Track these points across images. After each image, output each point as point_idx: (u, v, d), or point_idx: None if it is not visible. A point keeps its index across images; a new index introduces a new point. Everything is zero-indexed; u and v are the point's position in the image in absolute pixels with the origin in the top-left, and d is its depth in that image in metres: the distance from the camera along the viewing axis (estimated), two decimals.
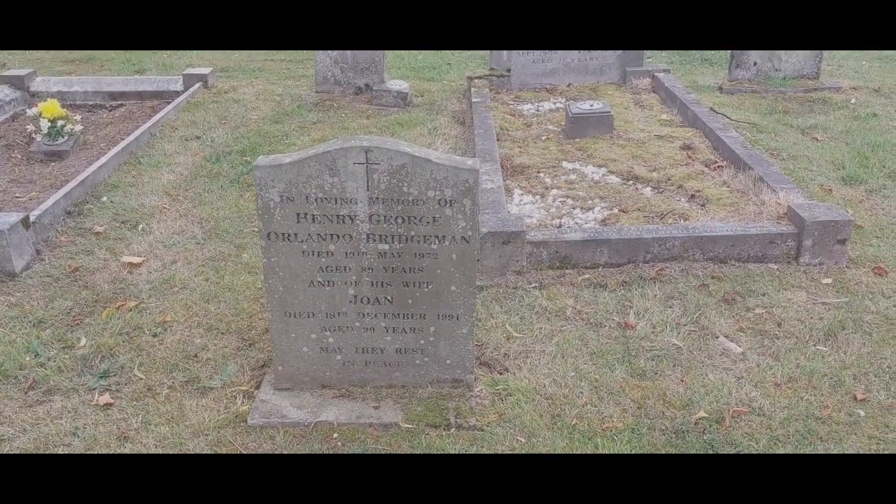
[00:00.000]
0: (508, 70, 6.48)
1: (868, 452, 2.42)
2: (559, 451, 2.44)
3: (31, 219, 3.64)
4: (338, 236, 2.49)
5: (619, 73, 6.52)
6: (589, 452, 2.43)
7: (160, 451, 2.44)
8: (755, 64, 6.59)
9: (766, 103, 6.05)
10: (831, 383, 2.73)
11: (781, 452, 2.43)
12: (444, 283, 2.56)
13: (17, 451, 2.43)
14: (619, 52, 6.41)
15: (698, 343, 2.98)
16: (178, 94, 6.16)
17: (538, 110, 5.87)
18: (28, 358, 2.89)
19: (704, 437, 2.49)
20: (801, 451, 2.43)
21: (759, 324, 3.09)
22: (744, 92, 6.39)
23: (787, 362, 2.85)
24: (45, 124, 4.94)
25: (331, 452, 2.44)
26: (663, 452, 2.44)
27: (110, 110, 6.03)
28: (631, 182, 4.38)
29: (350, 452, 2.43)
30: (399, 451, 2.44)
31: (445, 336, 2.65)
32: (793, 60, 6.57)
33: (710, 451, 2.43)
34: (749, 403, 2.64)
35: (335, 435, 2.51)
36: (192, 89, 6.25)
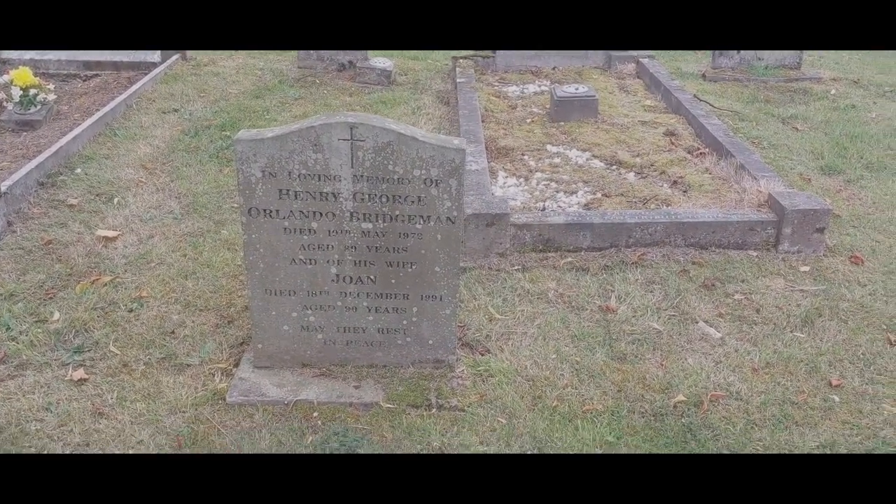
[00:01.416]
0: (494, 51, 6.42)
1: (842, 437, 2.46)
2: (539, 432, 2.45)
3: (2, 189, 3.54)
4: (321, 214, 2.45)
5: (605, 58, 6.50)
6: (569, 434, 2.44)
7: (136, 428, 2.40)
8: (738, 53, 6.61)
9: (749, 92, 6.09)
10: (807, 369, 2.77)
11: (758, 437, 2.46)
12: (428, 264, 2.54)
13: None
14: None
15: (678, 328, 3.00)
16: (155, 65, 6.01)
17: (523, 92, 5.84)
18: None
19: (683, 421, 2.51)
20: (778, 436, 2.46)
21: (738, 310, 3.12)
22: (727, 80, 6.42)
23: (765, 348, 2.89)
24: (16, 93, 4.79)
25: (311, 431, 2.42)
26: (642, 435, 2.45)
27: (85, 80, 5.87)
28: (614, 167, 4.39)
29: (331, 431, 2.41)
30: (380, 431, 2.43)
31: (428, 317, 2.63)
32: (775, 50, 6.59)
33: (689, 435, 2.46)
34: (727, 388, 2.67)
35: (315, 414, 2.49)
36: (169, 61, 6.12)
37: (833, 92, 6.15)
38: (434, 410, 2.53)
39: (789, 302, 3.18)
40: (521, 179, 4.19)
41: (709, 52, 7.12)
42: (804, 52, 6.68)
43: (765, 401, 2.61)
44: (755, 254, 3.54)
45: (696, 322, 3.04)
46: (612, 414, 2.54)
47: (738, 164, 4.11)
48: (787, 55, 6.60)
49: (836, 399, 2.63)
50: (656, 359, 2.82)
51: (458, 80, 5.76)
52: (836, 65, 7.16)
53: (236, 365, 2.71)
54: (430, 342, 2.68)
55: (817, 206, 3.52)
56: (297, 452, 2.34)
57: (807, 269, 3.44)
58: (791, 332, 2.99)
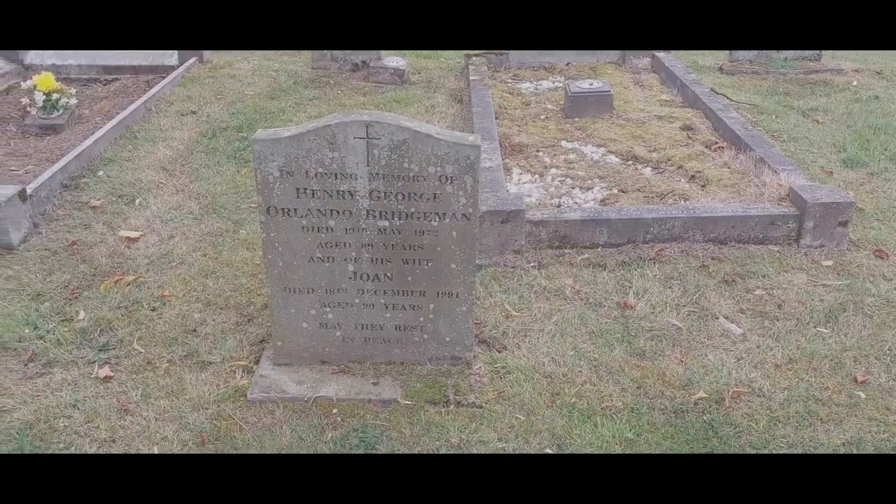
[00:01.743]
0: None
1: (868, 434, 2.43)
2: (558, 430, 2.44)
3: (28, 192, 3.60)
4: (337, 212, 2.47)
5: (619, 53, 6.46)
6: (588, 431, 2.44)
7: (160, 424, 2.44)
8: None
9: (767, 85, 6.02)
10: (832, 365, 2.74)
11: (781, 434, 2.44)
12: (443, 261, 2.54)
13: (19, 423, 2.43)
14: None
15: (698, 324, 2.98)
16: (173, 68, 6.08)
17: (537, 89, 5.83)
18: (27, 330, 2.87)
19: (704, 418, 2.50)
20: (802, 433, 2.43)
21: (760, 305, 3.09)
22: (744, 73, 6.35)
23: (788, 344, 2.86)
24: (39, 97, 4.87)
25: (330, 427, 2.44)
26: (662, 432, 2.44)
27: (105, 84, 5.95)
28: (630, 162, 4.36)
29: (350, 427, 2.43)
30: (399, 427, 2.44)
31: (445, 313, 2.64)
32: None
33: (710, 431, 2.44)
34: (749, 384, 2.65)
35: (334, 410, 2.51)
36: (187, 64, 6.18)
37: (855, 83, 6.06)
38: (452, 407, 2.53)
39: (812, 297, 3.14)
40: (536, 176, 4.19)
41: None
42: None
43: (788, 397, 2.58)
44: (776, 248, 3.51)
45: (717, 318, 3.02)
46: (632, 411, 2.53)
47: (757, 158, 4.07)
48: None
49: (862, 395, 2.60)
50: (676, 355, 2.80)
51: (471, 78, 5.75)
52: (858, 56, 7.04)
53: (257, 362, 2.73)
54: (447, 339, 2.69)
55: (840, 200, 3.48)
56: (317, 448, 2.36)
57: (830, 263, 3.40)
58: (814, 327, 2.96)
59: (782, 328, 2.96)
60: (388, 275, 2.57)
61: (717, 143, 4.53)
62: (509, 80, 6.03)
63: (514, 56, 6.38)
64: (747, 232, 3.53)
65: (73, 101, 5.05)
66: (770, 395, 2.60)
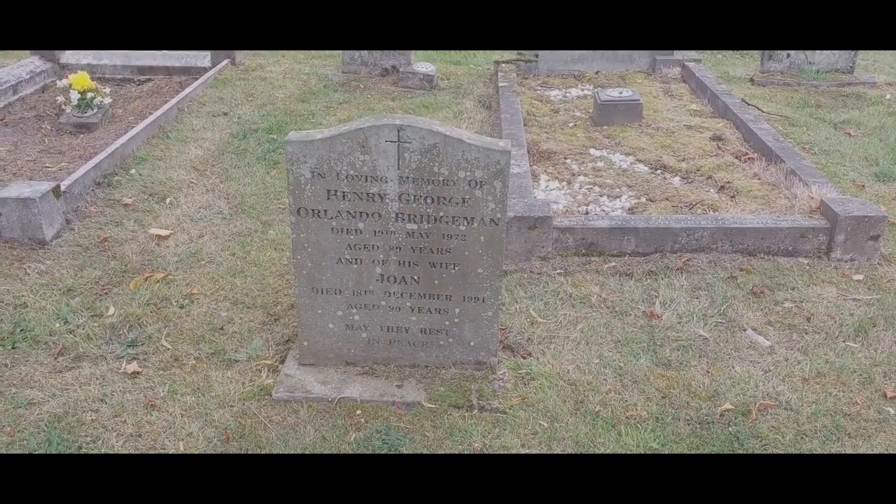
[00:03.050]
0: (536, 55, 6.42)
1: None
2: (582, 437, 2.43)
3: (62, 188, 3.67)
4: (367, 214, 2.49)
5: (649, 62, 6.44)
6: (612, 439, 2.42)
7: (186, 420, 2.47)
8: (788, 56, 6.47)
9: (799, 96, 5.95)
10: (861, 380, 2.70)
11: (808, 448, 2.40)
12: (470, 265, 2.55)
13: (48, 415, 2.47)
14: None
15: (725, 335, 2.95)
16: (205, 70, 6.17)
17: (566, 96, 5.82)
18: (58, 324, 2.93)
19: (730, 430, 2.47)
20: (829, 447, 2.40)
21: (788, 318, 3.05)
22: (776, 84, 6.28)
23: (816, 357, 2.82)
24: (75, 96, 4.97)
25: (354, 428, 2.45)
26: (687, 443, 2.42)
27: (139, 84, 6.06)
28: (659, 171, 4.34)
29: (373, 429, 2.44)
30: (422, 431, 2.45)
31: (470, 318, 2.64)
32: (827, 54, 6.43)
33: (736, 443, 2.41)
34: (776, 397, 2.61)
35: (358, 412, 2.52)
36: (219, 66, 6.27)
37: (889, 97, 5.97)
38: (475, 412, 2.53)
39: (842, 311, 3.10)
40: (564, 183, 4.18)
41: (757, 57, 6.99)
42: (858, 56, 6.50)
43: (816, 411, 2.55)
44: (806, 261, 3.46)
45: (744, 330, 2.98)
46: (657, 420, 2.51)
47: (788, 170, 4.02)
48: (840, 59, 6.43)
49: (892, 411, 2.55)
50: (702, 366, 2.78)
51: (500, 85, 5.76)
52: (892, 69, 6.94)
53: (282, 362, 2.76)
54: (472, 343, 2.69)
55: (872, 213, 3.42)
56: (340, 449, 2.37)
57: (860, 277, 3.34)
58: (844, 341, 2.91)
59: (811, 341, 2.91)
60: (415, 278, 2.58)
61: (747, 153, 4.49)
62: (538, 88, 6.03)
63: (544, 63, 6.38)
64: (777, 244, 3.48)
65: (108, 100, 5.15)
66: (797, 409, 2.56)
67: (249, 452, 2.36)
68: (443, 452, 2.37)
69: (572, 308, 3.11)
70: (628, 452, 2.38)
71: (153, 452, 2.35)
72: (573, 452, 2.38)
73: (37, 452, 2.33)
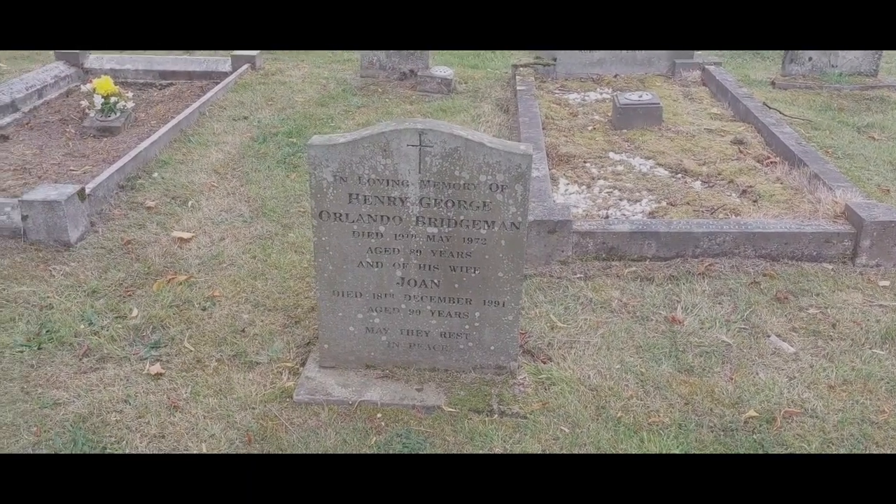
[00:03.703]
0: (554, 59, 6.41)
1: None
2: (604, 443, 2.41)
3: (87, 191, 3.72)
4: (388, 218, 2.49)
5: (668, 65, 6.40)
6: (634, 446, 2.40)
7: (209, 422, 2.48)
8: (810, 59, 6.41)
9: (821, 100, 5.88)
10: (888, 388, 2.65)
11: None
12: (491, 269, 2.54)
13: (73, 416, 2.50)
14: None
15: (749, 341, 2.92)
16: (226, 74, 6.23)
17: (584, 100, 5.80)
18: (82, 326, 2.96)
19: (754, 437, 2.44)
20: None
21: (813, 324, 3.01)
22: (798, 88, 6.22)
23: (842, 364, 2.78)
24: (98, 100, 5.04)
25: (374, 431, 2.45)
26: (711, 450, 2.39)
27: (160, 89, 6.13)
28: (680, 175, 4.30)
29: (394, 433, 2.44)
30: (442, 435, 2.44)
31: (490, 322, 2.63)
32: (850, 57, 6.36)
33: (761, 451, 2.38)
34: (801, 404, 2.58)
35: (379, 415, 2.52)
36: (239, 70, 6.32)
37: None
38: (496, 416, 2.52)
39: (868, 317, 3.05)
40: (583, 187, 4.16)
41: (778, 60, 6.93)
42: (881, 59, 6.42)
43: (842, 419, 2.51)
44: (831, 267, 3.41)
45: (768, 336, 2.95)
46: (680, 427, 2.48)
47: (811, 174, 3.98)
48: (863, 62, 6.36)
49: None
50: (726, 372, 2.75)
51: (518, 88, 5.76)
52: None
53: (303, 364, 2.77)
54: (492, 348, 2.68)
55: None
56: (361, 452, 2.37)
57: (886, 283, 3.29)
58: (870, 348, 2.87)
59: (836, 348, 2.87)
60: (436, 281, 2.58)
61: (769, 157, 4.44)
62: (556, 91, 6.02)
63: (562, 67, 6.37)
64: (801, 249, 3.44)
65: (130, 104, 5.21)
66: (823, 417, 2.52)
67: (271, 453, 2.37)
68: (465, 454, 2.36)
69: (593, 313, 3.09)
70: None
71: (164, 453, 2.37)
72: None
73: (62, 453, 2.36)
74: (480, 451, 2.38)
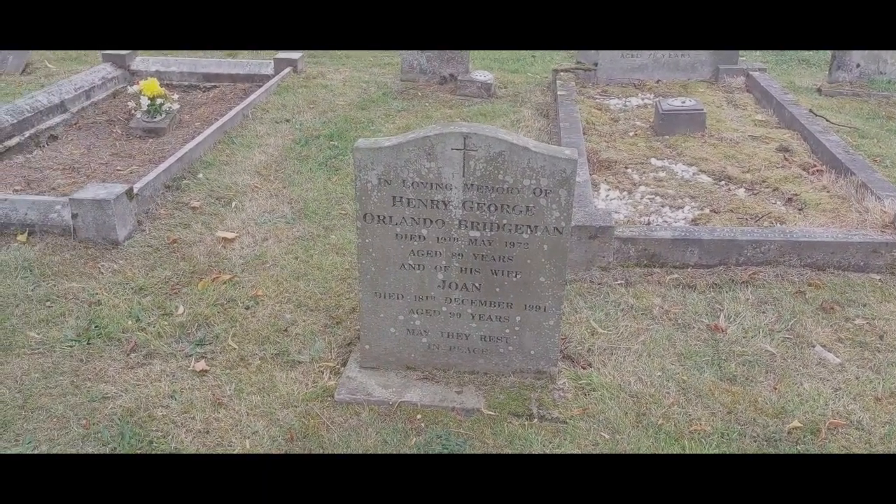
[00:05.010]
0: (595, 64, 6.37)
1: None
2: (644, 451, 2.40)
3: (134, 191, 3.82)
4: (431, 221, 2.51)
5: (712, 71, 6.32)
6: (676, 453, 2.38)
7: (252, 419, 2.53)
8: (858, 66, 6.27)
9: (869, 108, 5.75)
10: None
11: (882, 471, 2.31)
12: (533, 274, 2.55)
13: (121, 409, 2.57)
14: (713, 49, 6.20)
15: (793, 351, 2.87)
16: (268, 77, 6.34)
17: (626, 106, 5.76)
18: (130, 322, 3.04)
19: (798, 448, 2.40)
20: None
21: (860, 335, 2.95)
22: (844, 95, 6.08)
23: (890, 377, 2.71)
24: (145, 102, 5.17)
25: (414, 432, 2.47)
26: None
27: (204, 91, 6.26)
28: (723, 182, 4.25)
29: (433, 434, 2.45)
30: (482, 437, 2.45)
31: (531, 326, 2.63)
32: None
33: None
34: (847, 416, 2.52)
35: (418, 416, 2.54)
36: (281, 73, 6.42)
37: None
38: (535, 421, 2.52)
39: None
40: (625, 193, 4.13)
41: (824, 67, 6.80)
42: None
43: (889, 432, 2.45)
44: (878, 277, 3.33)
45: (813, 346, 2.89)
46: (722, 436, 2.45)
47: (859, 183, 3.89)
48: None
49: None
50: (769, 382, 2.70)
51: (558, 93, 5.74)
52: None
53: (344, 364, 2.80)
54: (533, 352, 2.68)
55: None
56: (401, 452, 2.39)
57: None
58: None
59: (884, 360, 2.81)
60: (477, 285, 2.59)
61: (815, 165, 4.36)
62: (597, 96, 5.99)
63: (603, 72, 6.33)
64: (847, 259, 3.37)
65: (176, 106, 5.34)
66: (869, 429, 2.47)
67: (313, 452, 2.40)
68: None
69: (633, 319, 3.07)
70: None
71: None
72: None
73: (109, 446, 2.42)
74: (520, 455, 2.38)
